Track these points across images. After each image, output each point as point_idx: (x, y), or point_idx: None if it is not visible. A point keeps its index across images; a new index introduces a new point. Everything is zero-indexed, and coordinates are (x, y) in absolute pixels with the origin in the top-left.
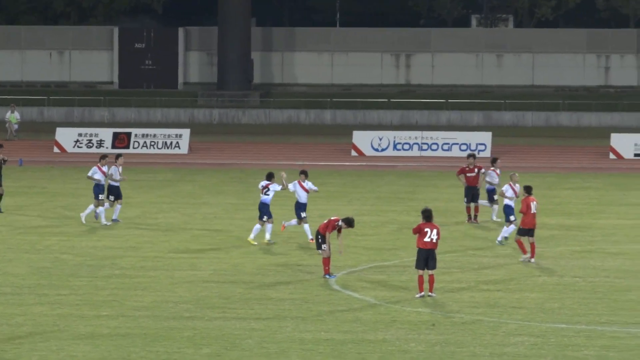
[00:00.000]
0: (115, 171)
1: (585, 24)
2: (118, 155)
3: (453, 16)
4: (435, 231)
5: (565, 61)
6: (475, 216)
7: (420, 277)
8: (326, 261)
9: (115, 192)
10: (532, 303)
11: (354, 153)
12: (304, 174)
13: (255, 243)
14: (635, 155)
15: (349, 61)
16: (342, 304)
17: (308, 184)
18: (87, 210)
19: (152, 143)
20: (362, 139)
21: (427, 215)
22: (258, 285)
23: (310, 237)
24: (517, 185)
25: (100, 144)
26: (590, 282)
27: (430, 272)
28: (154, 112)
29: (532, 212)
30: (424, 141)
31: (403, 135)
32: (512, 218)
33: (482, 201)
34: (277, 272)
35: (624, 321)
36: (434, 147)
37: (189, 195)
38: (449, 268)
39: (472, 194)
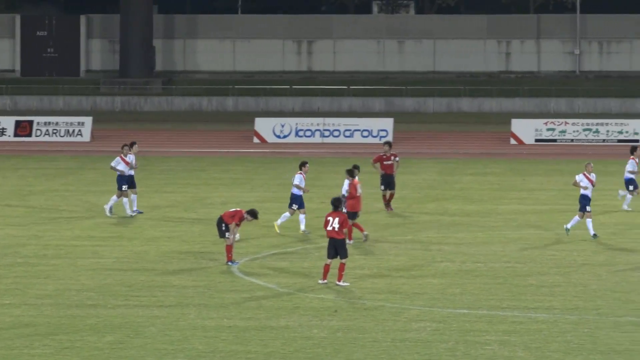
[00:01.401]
0: (132, 159)
1: (486, 9)
2: (132, 143)
3: (354, 2)
4: (336, 220)
5: (466, 47)
6: (388, 203)
7: (327, 266)
8: (229, 248)
9: (129, 182)
10: (434, 289)
11: (256, 140)
12: (357, 168)
13: (278, 231)
14: (536, 140)
15: (251, 48)
16: (244, 291)
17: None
18: (111, 202)
19: (55, 131)
20: (264, 126)
21: (333, 203)
22: (161, 273)
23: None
24: (592, 174)
25: (2, 132)
26: (491, 267)
27: (341, 260)
28: (56, 100)
29: (358, 194)
30: (325, 127)
31: (305, 122)
32: (588, 209)
33: (622, 191)
34: (180, 259)
35: (525, 306)
36: (336, 133)
37: (92, 183)
38: (351, 254)
39: (387, 182)
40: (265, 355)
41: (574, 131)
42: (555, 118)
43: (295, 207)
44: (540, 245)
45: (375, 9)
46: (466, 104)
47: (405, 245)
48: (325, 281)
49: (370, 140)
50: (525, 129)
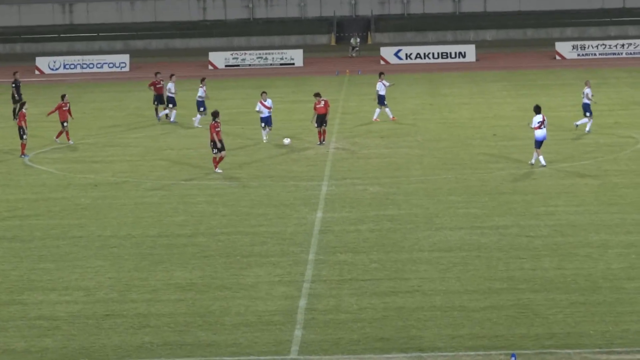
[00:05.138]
0: (172, 86)
1: None
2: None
3: None
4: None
5: None
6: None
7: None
8: (23, 145)
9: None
10: (162, 168)
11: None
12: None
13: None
14: (226, 66)
15: None
16: (34, 174)
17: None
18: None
19: None
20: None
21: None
22: None
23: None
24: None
25: None
26: (201, 153)
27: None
28: None
29: None
30: None
31: None
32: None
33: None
34: None
35: (223, 177)
36: None
37: None
38: (113, 145)
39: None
40: (48, 217)
41: (250, 59)
42: (239, 50)
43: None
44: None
45: None
46: None
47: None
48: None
49: None
50: (219, 59)
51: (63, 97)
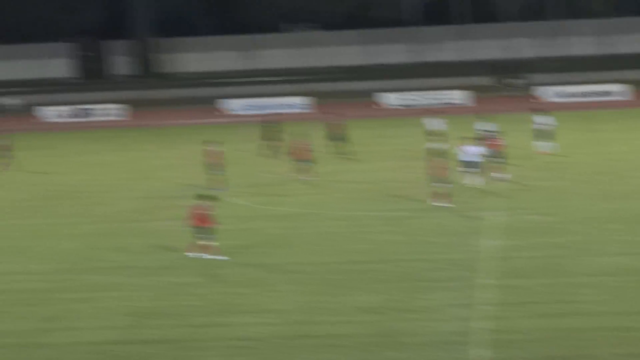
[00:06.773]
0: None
1: None
2: None
3: None
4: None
5: None
6: None
7: None
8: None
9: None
10: (351, 202)
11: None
12: None
13: None
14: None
15: None
16: (227, 207)
17: None
18: None
19: None
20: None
21: None
22: None
23: None
24: None
25: None
26: None
27: None
28: None
29: None
30: None
31: None
32: None
33: None
34: None
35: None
36: None
37: None
38: None
39: None
40: (241, 246)
41: (416, 99)
42: (405, 91)
43: None
44: None
45: None
46: None
47: None
48: None
49: None
50: (388, 100)
51: (299, 138)
